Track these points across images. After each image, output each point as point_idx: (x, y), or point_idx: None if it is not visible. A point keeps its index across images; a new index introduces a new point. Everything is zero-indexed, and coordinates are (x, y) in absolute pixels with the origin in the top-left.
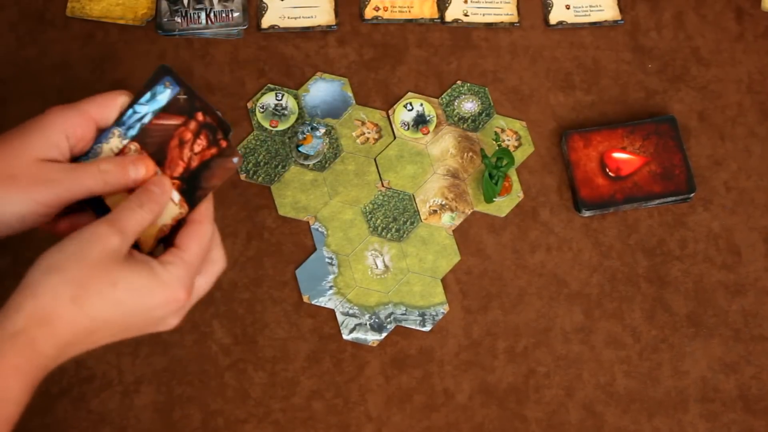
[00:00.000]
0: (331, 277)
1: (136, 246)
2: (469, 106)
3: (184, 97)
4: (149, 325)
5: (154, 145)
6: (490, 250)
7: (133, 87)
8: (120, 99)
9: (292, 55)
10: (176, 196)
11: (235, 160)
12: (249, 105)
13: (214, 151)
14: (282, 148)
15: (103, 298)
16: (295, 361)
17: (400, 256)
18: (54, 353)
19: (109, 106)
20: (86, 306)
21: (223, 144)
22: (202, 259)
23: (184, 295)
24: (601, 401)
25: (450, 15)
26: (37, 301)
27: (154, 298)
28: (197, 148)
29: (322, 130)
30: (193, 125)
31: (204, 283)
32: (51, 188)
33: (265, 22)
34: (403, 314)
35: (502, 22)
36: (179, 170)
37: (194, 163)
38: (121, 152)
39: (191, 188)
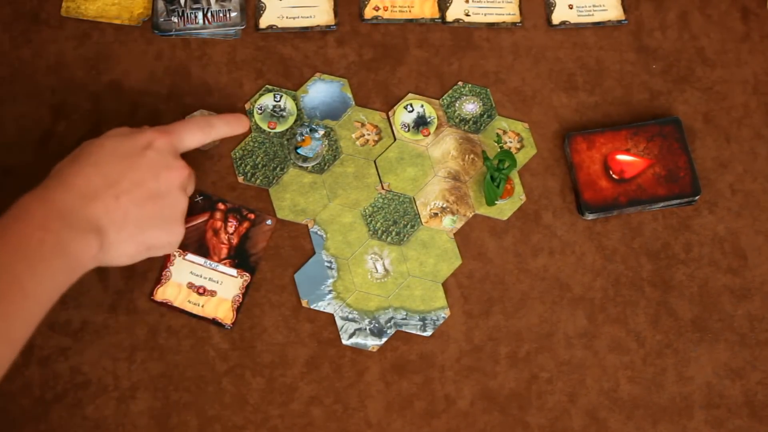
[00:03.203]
0: (331, 281)
1: (219, 323)
2: (470, 107)
3: (201, 197)
4: (153, 171)
5: (194, 243)
6: (491, 254)
7: (129, 88)
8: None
9: (290, 56)
10: (233, 271)
11: (269, 222)
12: (247, 106)
13: (247, 225)
14: (280, 150)
15: (97, 147)
16: (293, 366)
17: (401, 259)
18: (71, 201)
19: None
20: (86, 156)
21: (252, 216)
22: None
23: (159, 132)
24: (605, 407)
25: (451, 15)
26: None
27: (134, 139)
28: (231, 229)
29: (321, 132)
30: (218, 215)
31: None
32: None
33: (263, 22)
34: (403, 319)
35: (504, 22)
36: (224, 252)
37: (235, 241)
38: (167, 262)
39: (244, 259)
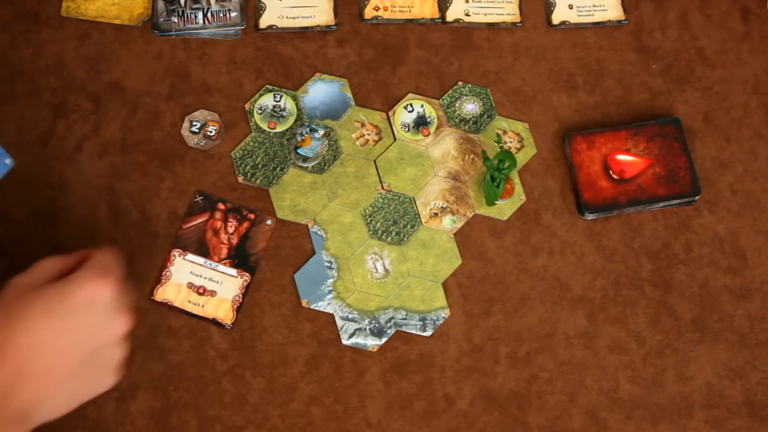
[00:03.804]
0: (331, 281)
1: (219, 323)
2: (470, 107)
3: (201, 197)
4: (92, 332)
5: (194, 243)
6: (491, 254)
7: (129, 88)
8: None
9: (290, 56)
10: (233, 271)
11: (269, 221)
12: (247, 106)
13: (246, 225)
14: (280, 150)
15: (31, 307)
16: (293, 366)
17: (401, 259)
18: (2, 387)
19: None
20: (17, 320)
21: (252, 216)
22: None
23: (105, 278)
24: (605, 407)
25: (451, 15)
26: None
27: (72, 293)
28: (231, 229)
29: (321, 132)
30: (218, 215)
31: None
32: None
33: (263, 22)
34: (403, 319)
35: (504, 22)
36: (225, 252)
37: (235, 241)
38: (167, 262)
39: (244, 259)
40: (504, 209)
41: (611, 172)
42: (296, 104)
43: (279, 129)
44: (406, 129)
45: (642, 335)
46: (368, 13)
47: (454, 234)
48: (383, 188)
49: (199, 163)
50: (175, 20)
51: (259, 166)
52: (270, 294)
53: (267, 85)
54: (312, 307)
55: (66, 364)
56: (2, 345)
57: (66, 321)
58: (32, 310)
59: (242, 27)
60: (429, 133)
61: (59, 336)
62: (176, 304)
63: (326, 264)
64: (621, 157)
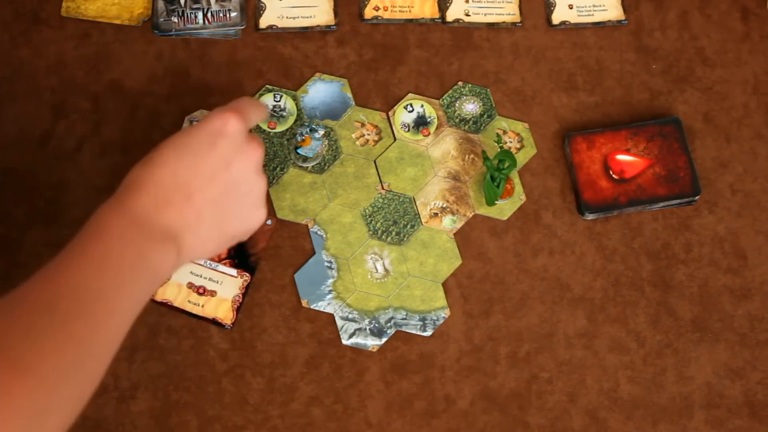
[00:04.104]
0: (331, 281)
1: (219, 323)
2: (470, 107)
3: None
4: (223, 160)
5: None
6: (491, 254)
7: (129, 88)
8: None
9: (290, 56)
10: (233, 271)
11: (269, 222)
12: None
13: None
14: (280, 150)
15: (166, 146)
16: (293, 366)
17: (401, 259)
18: (146, 209)
19: None
20: (154, 158)
21: None
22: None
23: (229, 111)
24: (605, 407)
25: (451, 15)
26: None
27: (201, 128)
28: None
29: (321, 132)
30: None
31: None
32: None
33: (263, 22)
34: (403, 319)
35: (504, 22)
36: (224, 252)
37: None
38: None
39: (244, 259)
40: (504, 209)
41: (611, 172)
42: (296, 104)
43: (279, 129)
44: (406, 129)
45: (642, 335)
46: (368, 13)
47: (454, 234)
48: (383, 188)
49: None
50: (175, 20)
51: None
52: (270, 294)
53: (267, 85)
54: (312, 307)
55: (204, 192)
56: (143, 179)
57: (197, 152)
58: (168, 147)
59: (242, 27)
60: (429, 133)
61: (193, 166)
62: (176, 304)
63: (326, 264)
64: (621, 157)
